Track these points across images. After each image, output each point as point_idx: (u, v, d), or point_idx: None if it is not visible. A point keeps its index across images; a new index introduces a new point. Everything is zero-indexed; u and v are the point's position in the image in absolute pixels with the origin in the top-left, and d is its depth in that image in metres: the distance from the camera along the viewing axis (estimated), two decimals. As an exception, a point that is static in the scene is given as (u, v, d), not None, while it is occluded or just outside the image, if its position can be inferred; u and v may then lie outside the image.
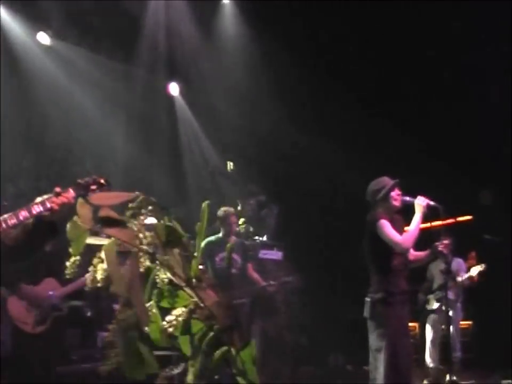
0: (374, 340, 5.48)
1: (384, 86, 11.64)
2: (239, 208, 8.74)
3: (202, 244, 7.42)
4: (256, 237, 9.38)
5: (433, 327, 9.74)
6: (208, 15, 11.86)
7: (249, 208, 9.82)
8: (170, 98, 12.20)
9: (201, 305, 2.38)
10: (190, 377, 2.41)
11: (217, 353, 2.34)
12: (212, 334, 2.36)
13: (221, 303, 2.42)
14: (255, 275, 8.15)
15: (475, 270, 9.56)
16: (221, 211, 8.03)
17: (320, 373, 10.61)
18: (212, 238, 7.92)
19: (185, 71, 11.83)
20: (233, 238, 8.04)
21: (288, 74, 11.20)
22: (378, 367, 5.38)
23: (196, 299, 2.38)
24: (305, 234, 11.14)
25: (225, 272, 7.73)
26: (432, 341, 9.69)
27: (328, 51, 11.64)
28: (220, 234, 7.98)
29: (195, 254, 2.48)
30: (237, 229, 8.64)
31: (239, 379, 2.26)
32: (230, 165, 10.69)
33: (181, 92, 12.16)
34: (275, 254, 9.77)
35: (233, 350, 2.31)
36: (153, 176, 10.95)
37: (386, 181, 5.75)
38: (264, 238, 9.79)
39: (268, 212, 10.24)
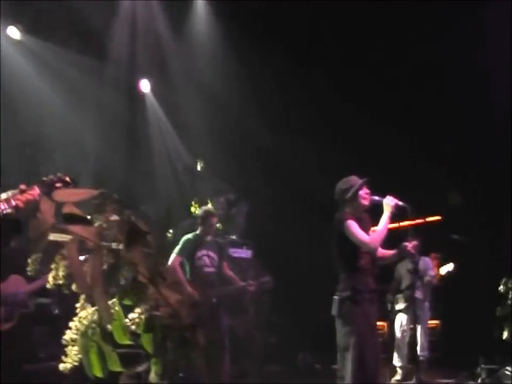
0: (341, 338, 5.49)
1: (356, 83, 11.69)
2: (209, 206, 8.72)
3: (181, 242, 7.46)
4: (225, 235, 9.40)
5: (401, 326, 9.81)
6: (181, 13, 11.84)
7: (219, 206, 9.82)
8: (142, 95, 12.15)
9: (165, 303, 2.36)
10: (152, 376, 2.39)
11: (180, 351, 2.33)
12: (175, 332, 2.35)
13: (184, 301, 2.41)
14: (232, 274, 8.14)
15: (444, 269, 9.64)
16: (203, 211, 8.14)
17: (289, 371, 10.64)
18: (190, 236, 7.95)
19: (157, 69, 11.79)
20: (209, 237, 8.05)
21: (259, 73, 11.22)
22: (346, 365, 5.39)
23: (159, 297, 2.36)
24: (275, 232, 11.16)
25: (203, 270, 7.78)
26: (400, 340, 9.75)
27: (301, 49, 11.67)
28: (198, 232, 7.99)
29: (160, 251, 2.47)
30: (218, 225, 8.70)
31: (202, 377, 2.26)
32: (200, 163, 10.67)
33: (152, 89, 12.12)
34: (244, 253, 9.79)
35: (196, 348, 2.30)
36: (123, 173, 10.89)
37: (355, 180, 5.76)
38: (234, 237, 9.81)
39: (237, 210, 10.26)
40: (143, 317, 2.36)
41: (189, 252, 7.78)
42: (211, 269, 7.87)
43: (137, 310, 2.37)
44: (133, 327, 2.35)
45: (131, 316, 2.36)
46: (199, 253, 7.84)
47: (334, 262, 5.73)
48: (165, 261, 2.48)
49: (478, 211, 11.37)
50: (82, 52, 10.72)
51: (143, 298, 2.37)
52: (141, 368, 2.52)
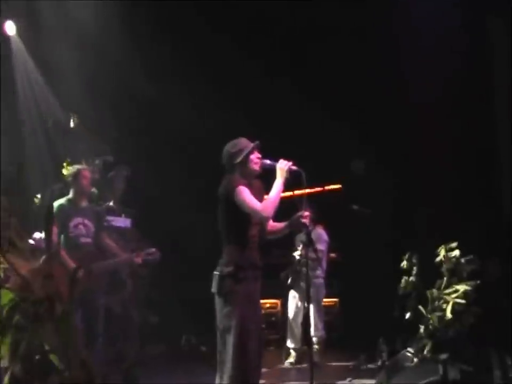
0: (222, 319, 5.40)
1: (249, 33, 11.70)
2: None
3: (55, 208, 7.20)
4: (102, 202, 9.23)
5: (294, 304, 9.93)
6: None
7: (95, 169, 9.60)
8: (6, 38, 11.71)
9: (14, 273, 2.29)
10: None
11: (31, 327, 2.26)
12: (25, 306, 2.28)
13: (37, 271, 2.34)
14: (112, 244, 7.96)
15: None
16: (73, 169, 7.95)
17: (171, 354, 10.65)
18: (62, 201, 7.73)
19: (24, 9, 11.37)
20: (85, 202, 7.87)
21: (141, 20, 11.06)
22: (227, 349, 5.36)
23: (7, 266, 2.29)
24: (156, 200, 11.06)
25: (79, 240, 7.58)
26: (294, 320, 9.87)
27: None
28: (70, 196, 7.80)
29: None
30: (93, 190, 8.49)
31: (51, 356, 2.19)
32: (74, 119, 10.37)
33: (19, 32, 11.69)
34: (123, 222, 9.64)
35: (49, 324, 2.25)
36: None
37: (245, 142, 5.69)
38: (111, 203, 9.65)
39: (116, 174, 10.04)
40: (-13, 289, 2.29)
41: (62, 219, 7.55)
42: (87, 239, 7.69)
43: (-19, 281, 2.30)
44: (-25, 300, 2.27)
45: (-27, 288, 2.28)
46: (74, 221, 7.65)
47: (220, 232, 5.68)
48: (18, 226, 2.39)
49: (381, 181, 11.58)
50: None
51: (-12, 267, 2.30)
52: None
